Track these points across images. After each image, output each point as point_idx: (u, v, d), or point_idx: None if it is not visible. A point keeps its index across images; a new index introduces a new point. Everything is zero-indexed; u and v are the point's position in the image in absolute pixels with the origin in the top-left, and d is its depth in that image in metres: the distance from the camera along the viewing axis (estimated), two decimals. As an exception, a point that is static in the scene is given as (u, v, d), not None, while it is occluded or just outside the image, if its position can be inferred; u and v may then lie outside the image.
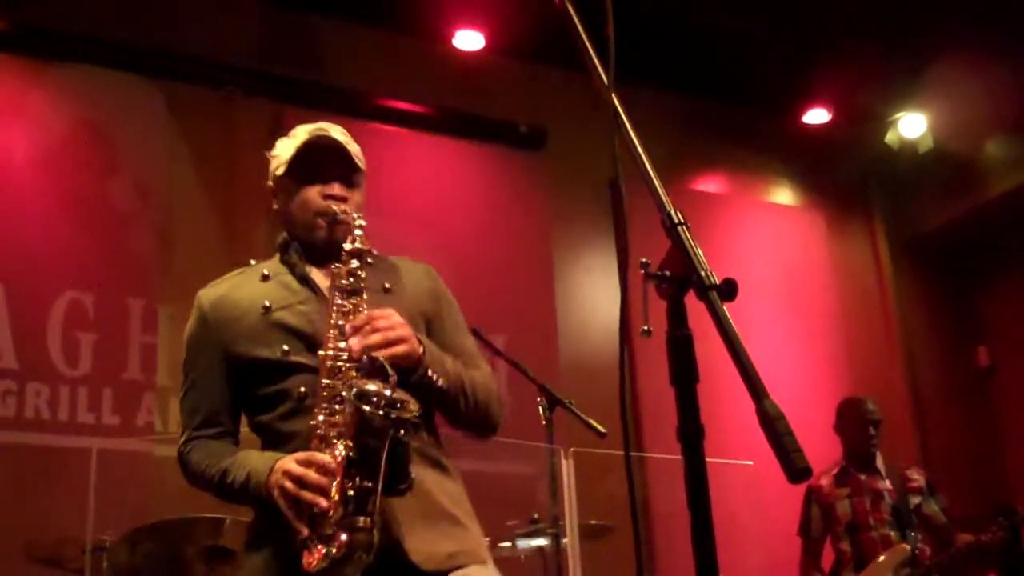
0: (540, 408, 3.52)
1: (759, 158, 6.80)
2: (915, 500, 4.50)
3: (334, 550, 1.76)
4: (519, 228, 5.76)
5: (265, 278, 2.14)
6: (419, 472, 1.90)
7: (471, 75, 5.77)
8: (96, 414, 4.54)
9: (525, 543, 3.79)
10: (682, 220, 1.34)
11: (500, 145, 5.88)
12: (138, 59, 5.02)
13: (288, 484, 1.84)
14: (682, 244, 1.32)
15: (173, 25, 5.15)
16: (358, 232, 2.05)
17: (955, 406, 6.92)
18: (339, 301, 1.99)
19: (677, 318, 1.32)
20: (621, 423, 1.43)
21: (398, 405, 1.79)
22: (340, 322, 1.96)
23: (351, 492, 1.78)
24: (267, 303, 2.08)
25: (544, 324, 5.63)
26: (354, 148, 2.18)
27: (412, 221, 4.92)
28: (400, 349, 1.90)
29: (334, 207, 2.10)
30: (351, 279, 2.00)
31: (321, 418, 1.90)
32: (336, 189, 2.14)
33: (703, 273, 1.28)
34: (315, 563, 1.78)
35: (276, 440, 2.02)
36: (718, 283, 1.27)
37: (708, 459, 1.28)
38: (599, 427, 3.46)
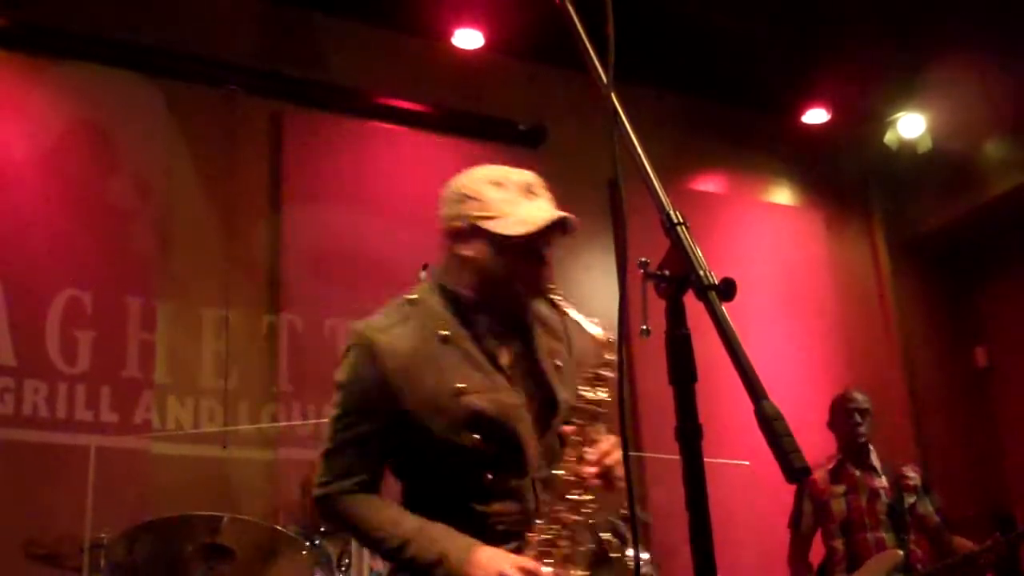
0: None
1: (758, 158, 6.80)
2: (910, 499, 4.48)
3: None
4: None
5: (444, 340, 2.04)
6: None
7: (470, 74, 5.77)
8: (94, 412, 4.54)
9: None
10: (681, 220, 1.34)
11: (499, 143, 5.87)
12: (138, 57, 5.01)
13: None
14: (681, 244, 1.32)
15: (173, 23, 5.15)
16: (610, 358, 2.04)
17: (953, 406, 6.91)
18: (578, 421, 2.01)
19: (676, 318, 1.32)
20: (619, 422, 1.43)
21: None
22: (579, 449, 1.98)
23: None
24: (460, 385, 1.99)
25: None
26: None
27: (410, 219, 4.92)
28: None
29: (547, 290, 2.11)
30: (596, 406, 2.01)
31: (544, 536, 1.93)
32: (547, 263, 2.09)
33: (702, 273, 1.28)
34: None
35: (462, 517, 1.98)
36: (717, 283, 1.27)
37: (706, 459, 1.28)
38: (597, 426, 3.45)
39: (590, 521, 1.86)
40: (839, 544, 4.45)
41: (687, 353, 1.31)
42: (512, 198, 2.04)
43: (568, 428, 2.01)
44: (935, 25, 5.62)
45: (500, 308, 2.10)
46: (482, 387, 2.01)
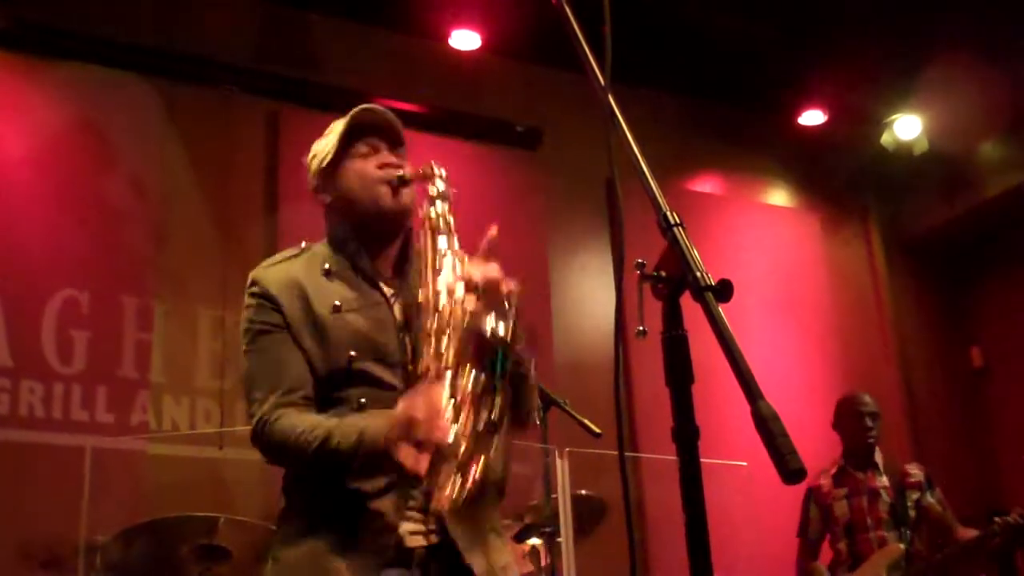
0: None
1: (755, 159, 6.80)
2: (914, 496, 4.49)
3: (469, 483, 1.77)
4: (514, 228, 5.73)
5: (327, 273, 2.11)
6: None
7: (467, 74, 5.77)
8: (90, 412, 4.53)
9: (519, 543, 3.79)
10: (678, 221, 1.34)
11: (496, 145, 5.88)
12: (135, 57, 5.01)
13: (409, 428, 1.83)
14: (678, 245, 1.32)
15: (171, 23, 5.15)
16: (439, 174, 2.09)
17: (949, 407, 6.93)
18: (432, 243, 2.03)
19: (672, 319, 1.32)
20: (616, 423, 1.43)
21: (517, 334, 1.86)
22: (438, 264, 2.00)
23: (475, 427, 1.80)
24: (337, 303, 2.05)
25: (539, 324, 5.63)
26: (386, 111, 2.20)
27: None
28: (515, 289, 1.91)
29: (395, 172, 2.12)
30: (442, 223, 2.05)
31: (426, 361, 1.91)
32: (391, 157, 2.15)
33: (699, 274, 1.28)
34: (448, 496, 1.77)
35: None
36: (713, 284, 1.27)
37: (703, 460, 1.28)
38: (594, 427, 3.46)
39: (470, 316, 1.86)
40: (843, 546, 4.47)
41: (684, 354, 1.31)
42: (335, 133, 2.18)
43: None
44: (931, 27, 5.63)
45: (375, 234, 2.15)
46: (358, 305, 2.06)
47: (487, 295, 1.87)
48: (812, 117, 6.57)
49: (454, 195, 2.10)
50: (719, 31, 5.76)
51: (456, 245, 2.03)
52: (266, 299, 2.08)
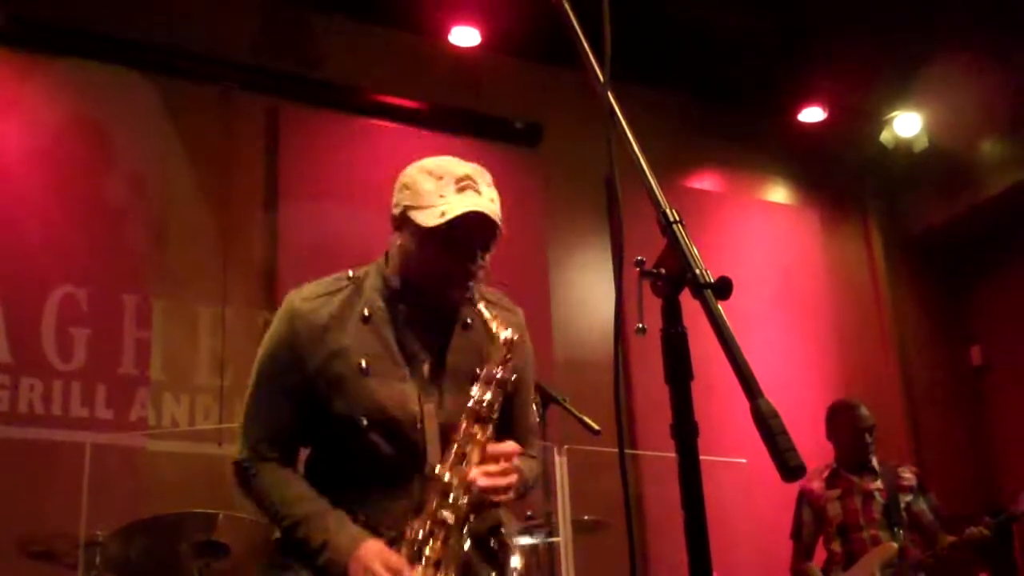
0: (534, 405, 3.52)
1: (754, 156, 6.80)
2: (906, 499, 4.49)
3: None
4: (514, 225, 5.71)
5: (365, 320, 2.06)
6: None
7: (467, 71, 5.77)
8: (90, 409, 4.54)
9: (518, 541, 3.79)
10: (677, 218, 1.34)
11: (495, 142, 5.87)
12: (135, 54, 5.01)
13: None
14: (677, 242, 1.32)
15: (170, 20, 5.14)
16: (508, 356, 2.02)
17: (948, 405, 6.93)
18: (467, 426, 1.98)
19: (672, 316, 1.32)
20: (615, 420, 1.43)
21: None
22: (464, 450, 1.96)
23: None
24: (364, 364, 2.01)
25: (538, 321, 5.62)
26: (498, 214, 2.03)
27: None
28: (512, 496, 1.99)
29: (463, 286, 2.06)
30: (486, 409, 1.99)
31: (420, 534, 1.92)
32: (474, 263, 2.04)
33: (698, 271, 1.28)
34: None
35: (351, 498, 2.04)
36: (713, 281, 1.27)
37: (701, 456, 1.28)
38: (593, 424, 3.46)
39: (465, 527, 1.89)
40: (837, 546, 4.47)
41: (683, 351, 1.31)
42: (444, 190, 2.02)
43: (455, 427, 2.00)
44: (931, 24, 5.63)
45: (423, 299, 2.09)
46: (385, 372, 2.03)
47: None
48: (812, 114, 6.56)
49: (510, 381, 2.04)
50: (719, 29, 5.76)
51: (489, 434, 1.99)
52: (292, 346, 2.05)
